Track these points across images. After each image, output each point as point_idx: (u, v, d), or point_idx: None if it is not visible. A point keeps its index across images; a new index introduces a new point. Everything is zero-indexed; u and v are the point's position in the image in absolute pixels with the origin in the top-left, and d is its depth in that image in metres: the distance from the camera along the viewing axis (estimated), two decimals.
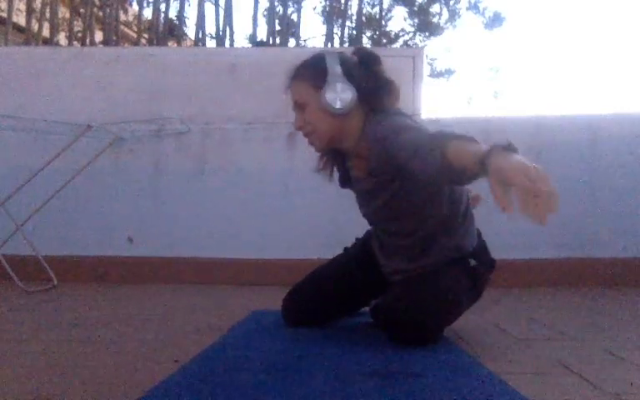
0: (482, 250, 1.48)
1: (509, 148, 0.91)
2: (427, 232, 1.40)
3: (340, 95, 1.32)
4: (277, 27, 5.16)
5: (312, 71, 1.38)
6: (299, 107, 1.40)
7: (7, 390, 0.98)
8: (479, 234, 1.50)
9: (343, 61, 1.37)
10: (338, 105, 1.33)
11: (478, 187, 1.63)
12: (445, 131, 1.11)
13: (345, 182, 1.53)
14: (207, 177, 2.91)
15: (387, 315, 1.38)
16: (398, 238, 1.45)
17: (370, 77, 1.38)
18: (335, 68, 1.34)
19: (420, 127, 1.29)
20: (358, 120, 1.37)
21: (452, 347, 1.32)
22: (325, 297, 1.57)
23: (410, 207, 1.38)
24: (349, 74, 1.34)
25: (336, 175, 1.54)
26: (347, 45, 5.47)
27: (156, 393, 0.93)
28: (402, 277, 1.44)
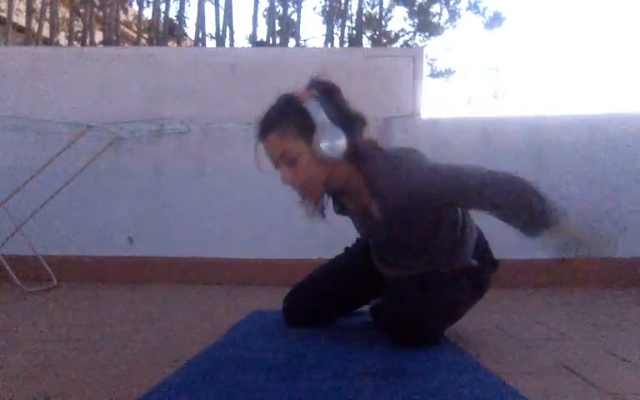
0: (484, 250, 1.48)
1: None
2: (428, 257, 1.40)
3: (335, 141, 1.23)
4: (277, 27, 5.17)
5: (294, 119, 1.25)
6: (287, 162, 1.27)
7: (7, 390, 0.98)
8: (481, 234, 1.50)
9: (318, 99, 1.26)
10: (337, 152, 1.23)
11: None
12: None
13: (340, 211, 1.49)
14: (207, 177, 2.91)
15: (387, 315, 1.38)
16: (400, 262, 1.45)
17: (340, 109, 1.29)
18: (317, 111, 1.24)
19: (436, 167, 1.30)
20: (344, 160, 1.27)
21: (452, 347, 1.32)
22: (325, 297, 1.57)
23: (411, 239, 1.37)
24: (328, 112, 1.25)
25: (327, 210, 1.46)
26: (347, 45, 5.47)
27: (156, 393, 0.93)
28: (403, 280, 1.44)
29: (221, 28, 4.81)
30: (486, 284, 1.47)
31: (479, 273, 1.43)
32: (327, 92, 1.29)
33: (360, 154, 1.28)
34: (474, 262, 1.42)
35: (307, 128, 1.23)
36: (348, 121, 1.28)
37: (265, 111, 1.31)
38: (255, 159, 1.32)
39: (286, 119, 1.26)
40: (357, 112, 1.31)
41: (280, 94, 1.33)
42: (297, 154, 1.26)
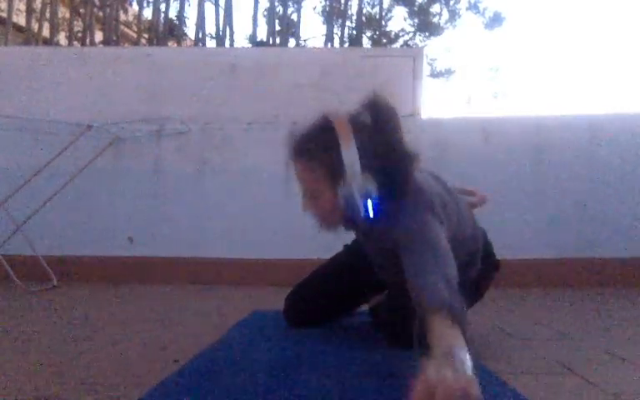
0: (487, 252, 1.47)
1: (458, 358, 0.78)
2: None
3: (361, 196, 1.13)
4: (277, 27, 5.16)
5: (326, 157, 1.15)
6: (310, 194, 1.24)
7: (7, 390, 0.98)
8: (485, 235, 1.50)
9: (357, 132, 1.14)
10: (360, 209, 1.13)
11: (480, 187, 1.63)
12: (443, 293, 0.97)
13: (349, 227, 1.42)
14: (207, 177, 2.91)
15: (387, 314, 1.38)
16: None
17: (388, 145, 1.16)
18: (351, 153, 1.12)
19: (432, 242, 1.10)
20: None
21: None
22: (326, 297, 1.57)
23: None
24: (364, 150, 1.13)
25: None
26: (347, 45, 5.47)
27: (156, 393, 0.93)
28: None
29: (221, 28, 4.81)
30: (487, 284, 1.47)
31: (481, 274, 1.43)
32: (380, 120, 1.17)
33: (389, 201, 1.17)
34: (477, 266, 1.41)
35: (336, 173, 1.14)
36: (394, 159, 1.16)
37: (303, 129, 1.22)
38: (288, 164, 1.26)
39: (318, 153, 1.18)
40: (408, 149, 1.18)
41: (323, 113, 1.21)
42: (320, 193, 1.21)
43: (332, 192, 1.17)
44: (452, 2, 9.03)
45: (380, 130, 1.17)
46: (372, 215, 1.15)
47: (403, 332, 1.27)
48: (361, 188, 1.13)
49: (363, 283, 1.57)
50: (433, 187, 1.26)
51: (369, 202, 1.14)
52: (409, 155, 1.20)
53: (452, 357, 0.78)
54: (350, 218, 1.20)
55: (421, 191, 1.21)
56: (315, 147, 1.18)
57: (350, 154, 1.13)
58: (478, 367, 0.77)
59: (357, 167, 1.13)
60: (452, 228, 1.25)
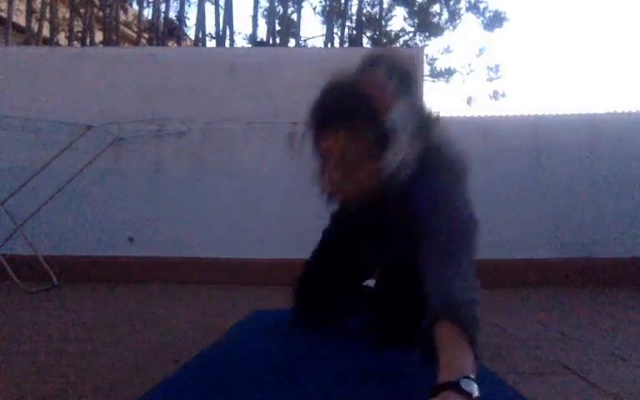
0: None
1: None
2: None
3: (409, 162, 1.02)
4: (277, 27, 5.16)
5: (371, 129, 1.01)
6: (341, 165, 1.05)
7: (7, 390, 0.98)
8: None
9: (399, 103, 1.03)
10: (406, 170, 1.02)
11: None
12: (457, 297, 0.88)
13: (372, 201, 1.36)
14: (207, 177, 2.91)
15: (387, 314, 1.37)
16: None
17: (417, 108, 1.08)
18: (399, 126, 1.00)
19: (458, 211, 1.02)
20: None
21: None
22: (332, 270, 1.50)
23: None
24: (401, 112, 1.02)
25: None
26: (347, 45, 5.47)
27: (156, 393, 0.93)
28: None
29: (221, 28, 4.81)
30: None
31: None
32: (407, 88, 1.06)
33: (423, 164, 1.06)
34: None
35: (380, 144, 1.01)
36: (424, 122, 1.07)
37: (335, 94, 1.06)
38: (299, 145, 1.16)
39: (360, 123, 1.02)
40: (432, 110, 1.10)
41: (355, 78, 1.08)
42: (359, 164, 1.04)
43: (375, 161, 1.02)
44: (452, 3, 9.03)
45: (406, 89, 1.05)
46: (412, 177, 1.03)
47: (403, 332, 1.28)
48: (409, 153, 1.01)
49: (360, 249, 1.46)
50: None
51: (413, 166, 1.03)
52: (433, 117, 1.10)
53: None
54: (385, 189, 1.05)
55: (452, 155, 1.09)
56: (359, 117, 1.02)
57: (398, 122, 0.99)
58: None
59: (406, 128, 1.00)
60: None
